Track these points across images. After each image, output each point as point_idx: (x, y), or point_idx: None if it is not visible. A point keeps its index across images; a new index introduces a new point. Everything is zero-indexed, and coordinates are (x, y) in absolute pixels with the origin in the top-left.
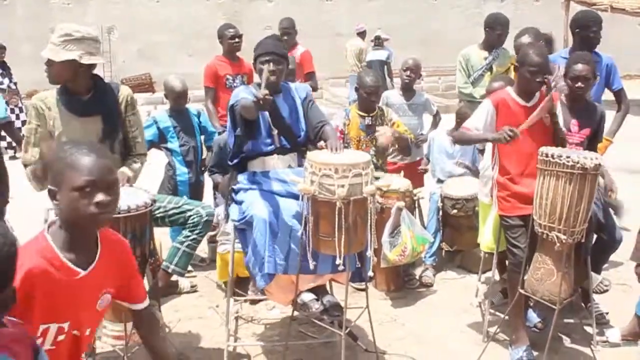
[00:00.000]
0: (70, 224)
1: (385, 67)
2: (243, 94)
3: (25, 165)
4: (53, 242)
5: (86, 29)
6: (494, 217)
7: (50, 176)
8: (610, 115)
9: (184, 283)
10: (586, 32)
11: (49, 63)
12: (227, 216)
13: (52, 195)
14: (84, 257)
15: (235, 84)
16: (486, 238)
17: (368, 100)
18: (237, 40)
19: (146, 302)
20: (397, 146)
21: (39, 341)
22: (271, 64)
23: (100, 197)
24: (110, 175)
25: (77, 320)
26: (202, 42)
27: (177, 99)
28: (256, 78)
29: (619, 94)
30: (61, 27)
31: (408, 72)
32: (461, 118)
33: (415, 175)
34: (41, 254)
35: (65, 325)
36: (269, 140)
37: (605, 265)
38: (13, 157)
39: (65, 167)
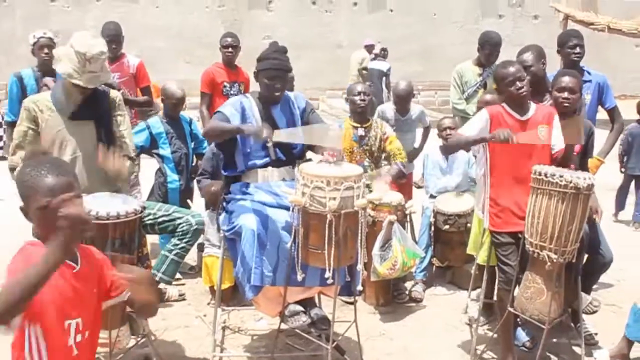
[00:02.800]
0: (44, 239)
1: (384, 78)
2: (229, 109)
3: (13, 169)
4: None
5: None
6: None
7: (19, 196)
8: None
9: (172, 291)
10: (565, 48)
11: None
12: (218, 226)
13: (24, 214)
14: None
15: (232, 92)
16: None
17: (357, 105)
18: (230, 50)
19: None
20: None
21: (66, 338)
22: (277, 81)
23: None
24: (70, 191)
25: (87, 316)
26: (200, 49)
27: (175, 106)
28: (253, 86)
29: (612, 112)
30: (90, 45)
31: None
32: (442, 131)
33: (405, 187)
34: None
35: (80, 322)
36: (262, 153)
37: (595, 286)
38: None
39: (28, 189)
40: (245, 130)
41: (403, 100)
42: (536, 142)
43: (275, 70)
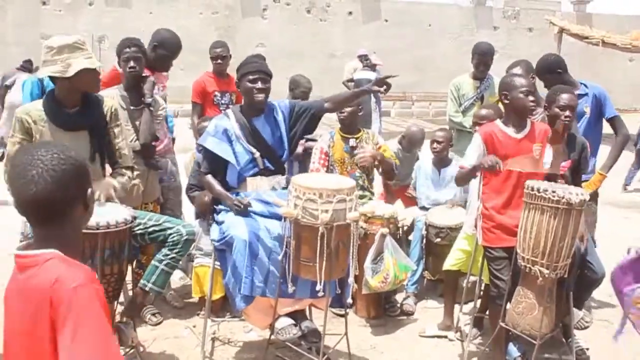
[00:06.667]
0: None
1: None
2: (212, 142)
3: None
4: None
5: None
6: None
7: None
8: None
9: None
10: (551, 74)
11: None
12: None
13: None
14: None
15: (223, 101)
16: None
17: (338, 116)
18: (219, 61)
19: None
20: (380, 170)
21: None
22: (259, 82)
23: None
24: None
25: None
26: (194, 56)
27: None
28: None
29: (614, 122)
30: (70, 39)
31: None
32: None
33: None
34: None
35: None
36: (250, 165)
37: (587, 302)
38: None
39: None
40: (228, 204)
41: (414, 146)
42: (525, 169)
43: (256, 71)
